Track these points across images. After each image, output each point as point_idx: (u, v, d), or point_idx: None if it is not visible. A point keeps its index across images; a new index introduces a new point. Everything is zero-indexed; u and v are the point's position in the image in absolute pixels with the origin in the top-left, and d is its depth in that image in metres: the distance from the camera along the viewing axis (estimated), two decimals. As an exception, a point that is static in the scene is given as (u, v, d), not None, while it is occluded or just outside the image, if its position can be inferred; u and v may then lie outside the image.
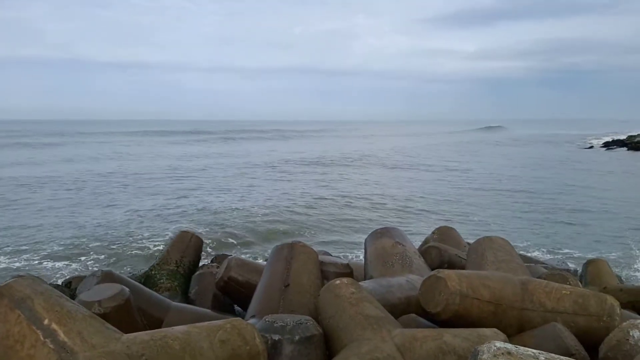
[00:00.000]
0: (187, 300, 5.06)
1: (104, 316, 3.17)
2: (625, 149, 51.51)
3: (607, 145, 55.65)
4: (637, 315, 4.45)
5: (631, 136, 59.57)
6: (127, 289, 3.57)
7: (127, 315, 3.49)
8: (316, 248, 5.05)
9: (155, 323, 3.86)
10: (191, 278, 5.38)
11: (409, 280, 4.25)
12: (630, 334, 2.87)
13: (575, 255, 12.06)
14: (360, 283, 3.90)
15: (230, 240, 13.14)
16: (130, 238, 13.21)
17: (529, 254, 9.92)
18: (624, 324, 3.01)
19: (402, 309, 3.87)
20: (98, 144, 51.93)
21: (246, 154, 42.48)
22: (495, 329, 3.02)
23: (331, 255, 7.03)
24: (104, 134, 72.44)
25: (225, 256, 6.36)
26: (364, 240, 5.34)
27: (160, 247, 10.59)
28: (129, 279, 4.47)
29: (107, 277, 4.17)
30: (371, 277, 4.63)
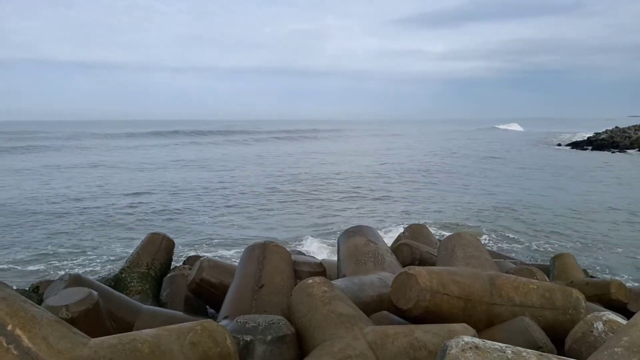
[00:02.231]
0: (158, 303, 5.00)
1: (72, 321, 3.10)
2: (590, 147, 52.60)
3: (577, 143, 56.58)
4: (602, 308, 4.57)
5: (597, 133, 60.91)
6: (95, 293, 3.50)
7: (96, 319, 3.42)
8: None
9: (125, 327, 3.79)
10: (163, 280, 5.31)
11: (381, 278, 4.28)
12: (594, 326, 2.95)
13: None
14: (332, 282, 3.92)
15: (203, 242, 13.04)
16: (100, 242, 12.98)
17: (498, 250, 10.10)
18: (588, 316, 3.09)
19: (374, 307, 3.90)
20: (66, 149, 49.04)
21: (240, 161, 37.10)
22: (464, 324, 3.07)
23: (304, 255, 7.04)
24: (70, 137, 69.02)
25: (197, 257, 6.31)
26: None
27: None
28: (98, 283, 4.39)
29: (75, 281, 4.08)
30: (344, 276, 4.65)
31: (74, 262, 11.28)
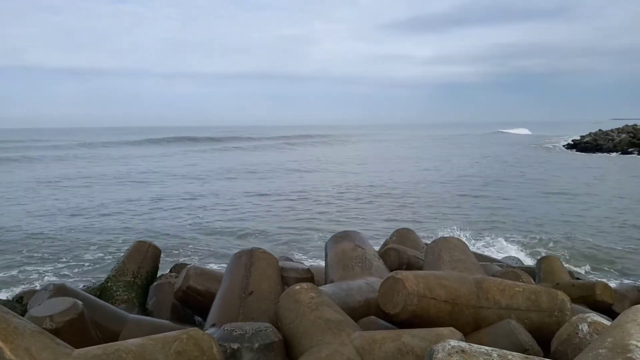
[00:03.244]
0: (145, 312, 4.95)
1: (56, 331, 3.07)
2: (575, 149, 53.38)
3: (568, 145, 57.54)
4: (588, 309, 4.62)
5: (582, 136, 62.00)
6: (80, 303, 3.46)
7: (81, 329, 3.38)
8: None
9: (111, 337, 3.76)
10: (149, 289, 5.27)
11: (368, 283, 4.29)
12: (580, 327, 2.97)
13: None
14: (320, 287, 3.92)
15: (190, 249, 12.93)
16: (85, 250, 12.83)
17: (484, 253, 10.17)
18: (574, 318, 3.11)
19: (362, 312, 3.90)
20: (52, 159, 46.65)
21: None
22: (451, 328, 3.08)
23: (292, 261, 7.03)
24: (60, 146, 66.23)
25: (184, 265, 6.26)
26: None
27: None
28: (83, 292, 4.34)
29: (60, 290, 4.03)
30: (332, 281, 4.65)
31: (56, 271, 11.12)
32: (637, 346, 2.27)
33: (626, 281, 9.96)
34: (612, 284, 7.66)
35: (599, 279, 7.22)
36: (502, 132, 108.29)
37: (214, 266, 11.32)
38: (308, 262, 10.68)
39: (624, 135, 52.87)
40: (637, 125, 56.80)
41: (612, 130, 58.43)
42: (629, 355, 2.23)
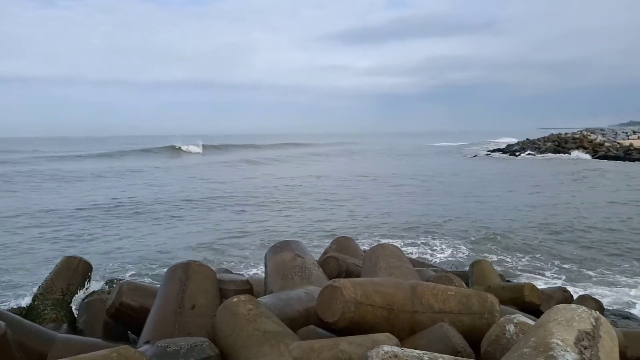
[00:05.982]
0: (75, 330, 4.74)
1: (-24, 356, 2.89)
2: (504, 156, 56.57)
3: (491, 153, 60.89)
4: (516, 311, 4.84)
5: (509, 145, 65.63)
6: (2, 323, 3.27)
7: (4, 352, 3.20)
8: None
9: (38, 358, 3.59)
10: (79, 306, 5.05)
11: (307, 292, 4.29)
12: (507, 328, 3.11)
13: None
14: (259, 299, 3.89)
15: (124, 264, 12.46)
16: (9, 269, 12.09)
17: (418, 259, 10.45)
18: (501, 319, 3.25)
19: (301, 322, 3.90)
20: None
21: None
22: (387, 334, 3.14)
23: (232, 273, 6.94)
24: None
25: (117, 281, 6.05)
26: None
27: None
28: (6, 312, 4.10)
29: (-20, 312, 3.81)
30: (271, 292, 4.63)
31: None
32: (558, 344, 2.41)
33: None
34: (540, 285, 8.09)
35: (528, 281, 7.58)
36: (491, 141, 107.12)
37: (151, 274, 11.01)
38: (250, 273, 10.59)
39: (549, 144, 56.22)
40: (561, 134, 60.54)
41: (538, 139, 61.88)
42: (550, 353, 2.36)
